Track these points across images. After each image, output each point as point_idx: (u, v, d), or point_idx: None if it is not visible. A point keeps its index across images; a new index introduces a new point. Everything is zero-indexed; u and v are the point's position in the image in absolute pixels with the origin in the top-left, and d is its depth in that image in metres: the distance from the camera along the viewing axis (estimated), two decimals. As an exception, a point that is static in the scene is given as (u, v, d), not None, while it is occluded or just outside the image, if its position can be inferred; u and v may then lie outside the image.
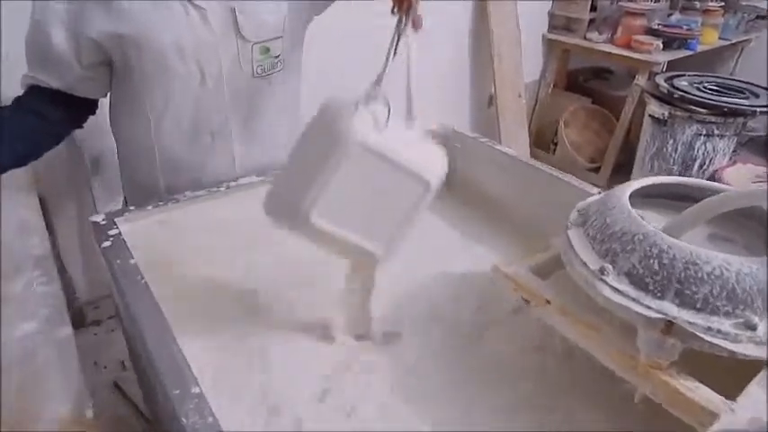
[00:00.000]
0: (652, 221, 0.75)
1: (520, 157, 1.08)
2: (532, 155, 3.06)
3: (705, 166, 2.46)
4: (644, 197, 0.75)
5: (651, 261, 0.59)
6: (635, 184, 0.73)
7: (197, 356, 0.73)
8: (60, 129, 0.98)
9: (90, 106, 1.01)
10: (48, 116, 0.93)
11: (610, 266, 0.62)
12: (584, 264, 0.64)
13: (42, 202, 1.59)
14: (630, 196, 0.70)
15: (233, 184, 0.97)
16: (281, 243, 1.00)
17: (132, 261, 0.75)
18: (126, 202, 1.17)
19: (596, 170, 2.99)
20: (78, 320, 1.85)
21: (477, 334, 0.82)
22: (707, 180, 2.48)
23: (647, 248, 0.60)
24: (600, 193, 0.86)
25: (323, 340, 0.81)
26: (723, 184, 2.28)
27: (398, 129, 0.70)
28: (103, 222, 0.84)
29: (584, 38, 2.91)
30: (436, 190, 0.73)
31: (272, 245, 0.99)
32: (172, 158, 1.03)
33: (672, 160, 2.49)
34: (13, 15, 1.24)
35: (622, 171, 2.87)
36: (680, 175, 2.51)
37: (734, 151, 2.48)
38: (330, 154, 0.65)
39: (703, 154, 2.43)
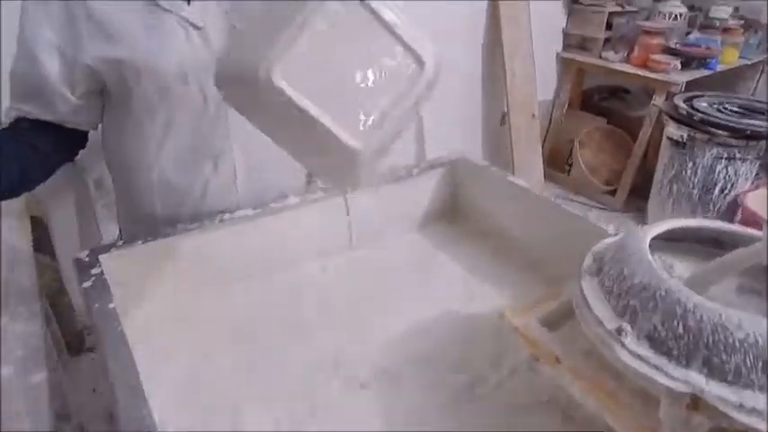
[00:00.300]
0: (675, 268, 0.69)
1: (532, 189, 1.02)
2: (546, 176, 2.99)
3: (726, 191, 2.37)
4: (666, 240, 0.69)
5: (675, 323, 0.53)
6: (655, 228, 0.67)
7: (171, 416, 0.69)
8: (53, 161, 0.94)
9: (81, 139, 0.98)
10: (40, 148, 0.89)
11: (628, 327, 0.55)
12: (600, 321, 0.58)
13: (45, 223, 1.56)
14: (651, 240, 0.64)
15: (227, 216, 0.92)
16: (275, 278, 0.96)
17: (111, 305, 0.70)
18: (121, 234, 1.13)
19: (612, 193, 2.91)
20: (77, 345, 1.82)
21: (481, 380, 0.76)
22: (728, 203, 2.38)
23: (670, 307, 0.54)
24: (617, 233, 0.79)
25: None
26: (745, 208, 2.21)
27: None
28: (86, 259, 0.79)
29: (600, 57, 2.85)
30: (430, 79, 0.60)
31: (266, 280, 0.95)
32: (171, 186, 0.98)
33: (691, 184, 2.40)
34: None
35: (639, 194, 2.79)
36: (700, 199, 2.42)
37: (756, 175, 2.39)
38: None
39: (724, 178, 2.35)
